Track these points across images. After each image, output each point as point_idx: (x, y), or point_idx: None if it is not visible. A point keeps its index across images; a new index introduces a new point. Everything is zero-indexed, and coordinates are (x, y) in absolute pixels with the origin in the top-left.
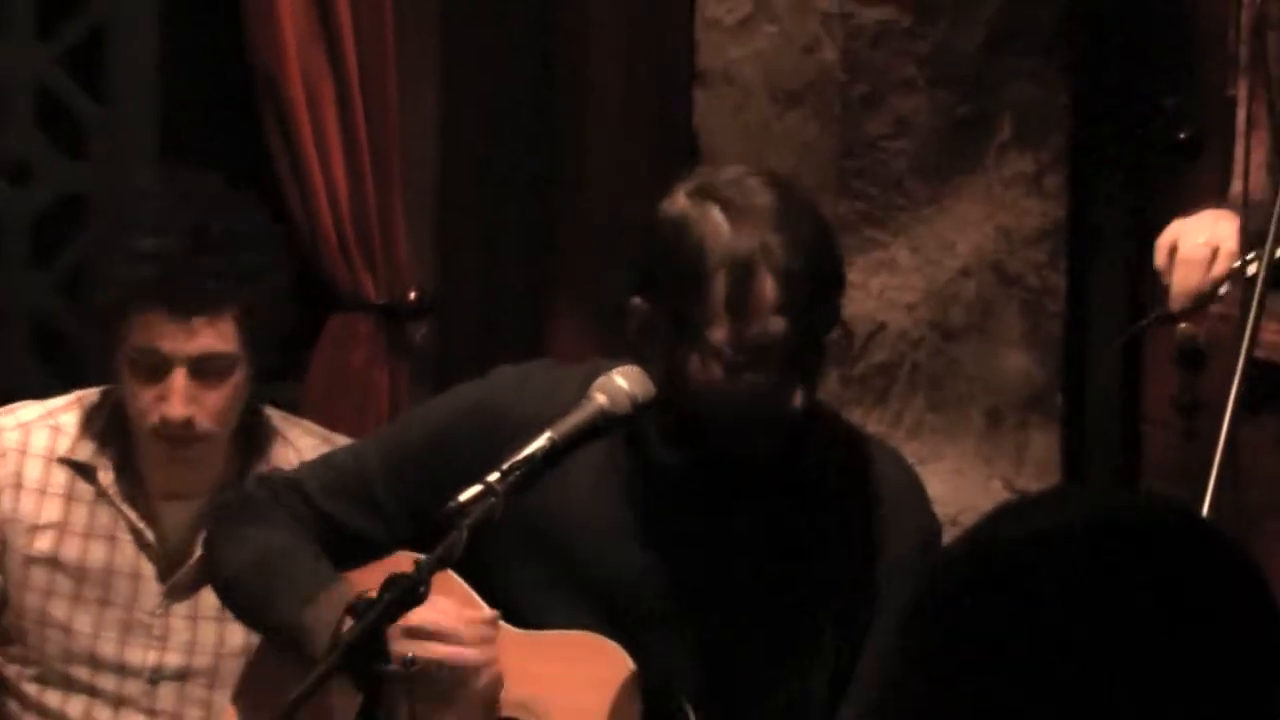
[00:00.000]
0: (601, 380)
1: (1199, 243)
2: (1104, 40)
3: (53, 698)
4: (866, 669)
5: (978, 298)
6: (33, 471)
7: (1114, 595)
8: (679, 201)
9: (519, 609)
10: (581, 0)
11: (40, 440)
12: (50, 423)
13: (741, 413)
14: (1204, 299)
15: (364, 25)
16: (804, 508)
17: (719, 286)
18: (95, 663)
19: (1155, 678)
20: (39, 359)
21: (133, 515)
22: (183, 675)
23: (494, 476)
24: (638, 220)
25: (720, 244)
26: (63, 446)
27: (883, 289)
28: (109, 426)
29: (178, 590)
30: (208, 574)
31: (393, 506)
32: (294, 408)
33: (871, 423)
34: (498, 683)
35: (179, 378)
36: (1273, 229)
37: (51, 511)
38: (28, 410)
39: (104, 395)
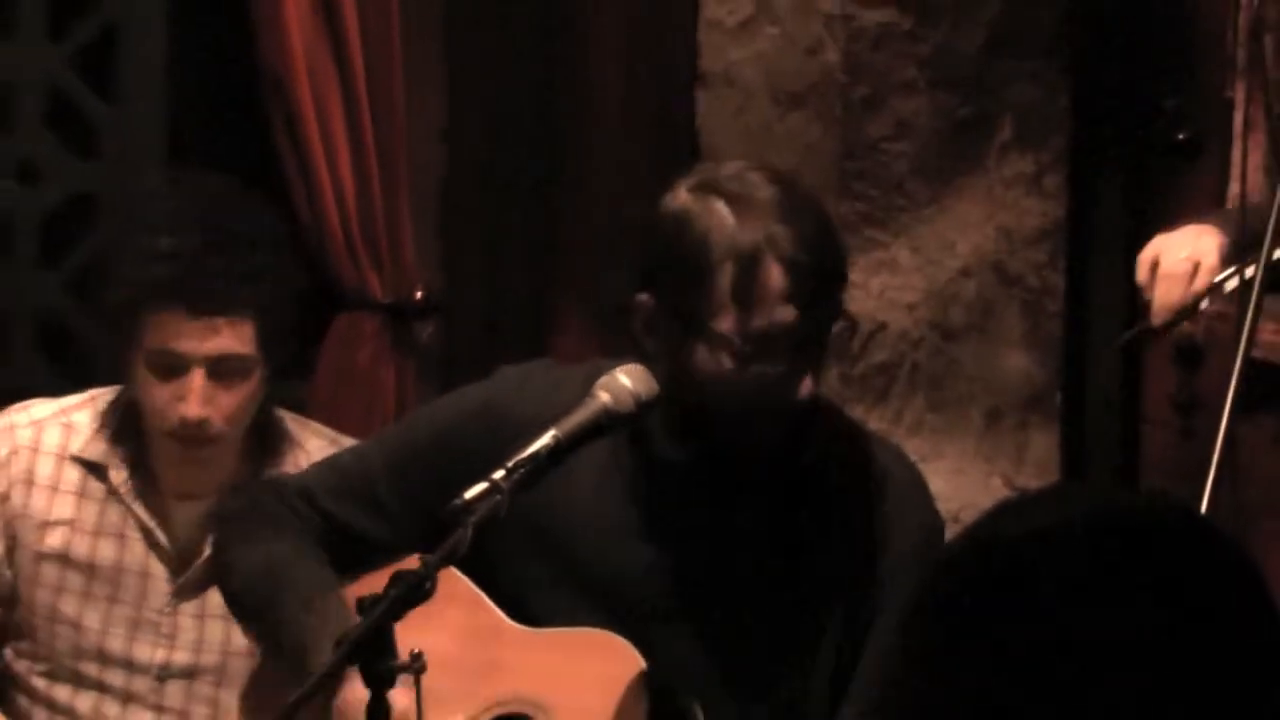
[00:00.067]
0: (605, 379)
1: (1180, 258)
2: (1104, 42)
3: (62, 693)
4: (868, 667)
5: (978, 298)
6: (44, 468)
7: (1113, 593)
8: (681, 196)
9: (525, 606)
10: (584, 4)
11: (53, 438)
12: (63, 420)
13: (749, 403)
14: (1185, 313)
15: (370, 29)
16: (807, 504)
17: (725, 277)
18: (104, 659)
19: (1154, 675)
20: (48, 358)
21: (143, 514)
22: (190, 673)
23: (499, 474)
24: (639, 221)
25: (725, 236)
26: (75, 444)
27: (883, 289)
28: (122, 425)
29: (186, 589)
30: (217, 580)
31: (397, 506)
32: (301, 406)
33: (872, 421)
34: None
35: (197, 378)
36: (1270, 230)
37: (63, 508)
38: (41, 408)
39: (117, 394)
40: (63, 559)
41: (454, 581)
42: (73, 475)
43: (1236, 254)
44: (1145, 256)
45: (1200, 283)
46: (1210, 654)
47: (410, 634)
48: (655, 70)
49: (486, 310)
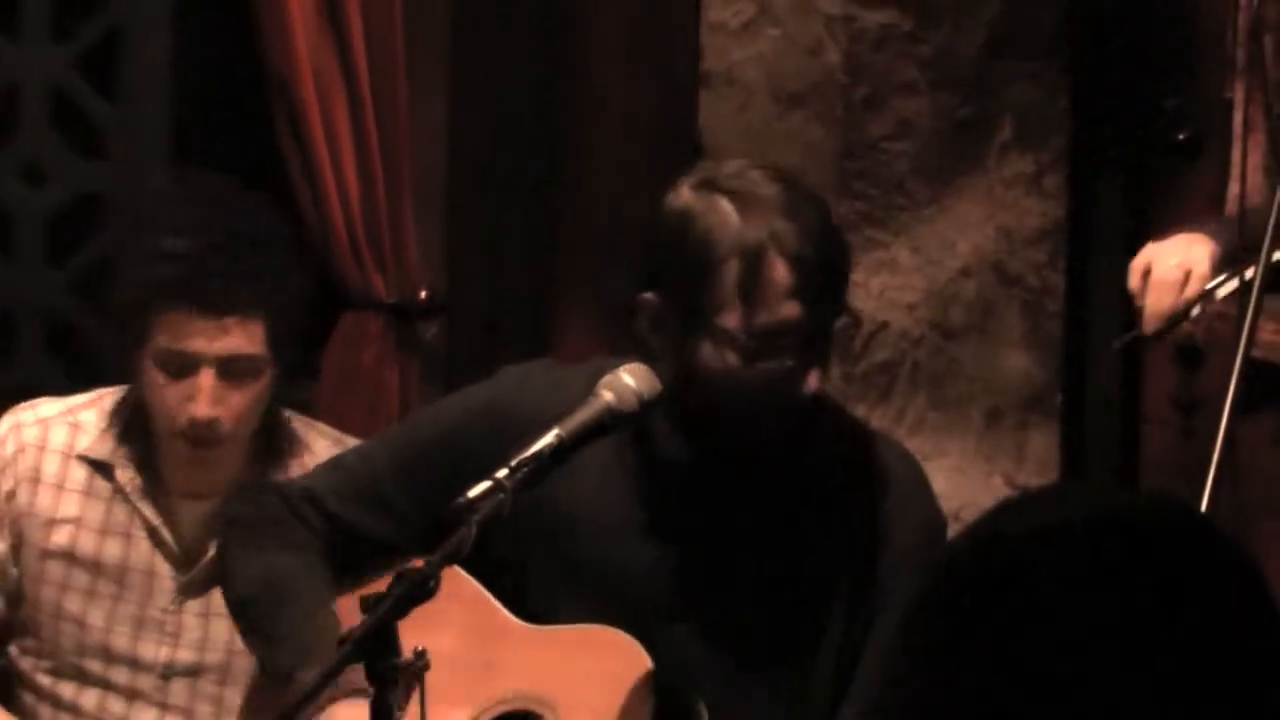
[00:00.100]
0: (608, 378)
1: (1172, 265)
2: (1104, 42)
3: (67, 690)
4: (869, 666)
5: (978, 297)
6: (50, 467)
7: (1113, 591)
8: (684, 195)
9: (529, 605)
10: (586, 5)
11: (59, 436)
12: (70, 420)
13: (755, 399)
14: (1177, 320)
15: (374, 32)
16: (810, 501)
17: (731, 274)
18: (108, 656)
19: (1154, 674)
20: (52, 358)
21: (149, 513)
22: (195, 671)
23: (502, 473)
24: (641, 221)
25: (730, 232)
26: (81, 443)
27: (884, 289)
28: (129, 425)
29: (191, 588)
30: (221, 584)
31: (402, 505)
32: (305, 406)
33: (873, 420)
34: None
35: (207, 378)
36: (1270, 230)
37: (69, 507)
38: (47, 406)
39: (124, 394)
40: (68, 557)
41: (458, 580)
42: (79, 474)
43: (1228, 262)
44: (1137, 265)
45: (1191, 290)
46: (1210, 652)
47: (414, 633)
48: (657, 71)
49: (488, 310)
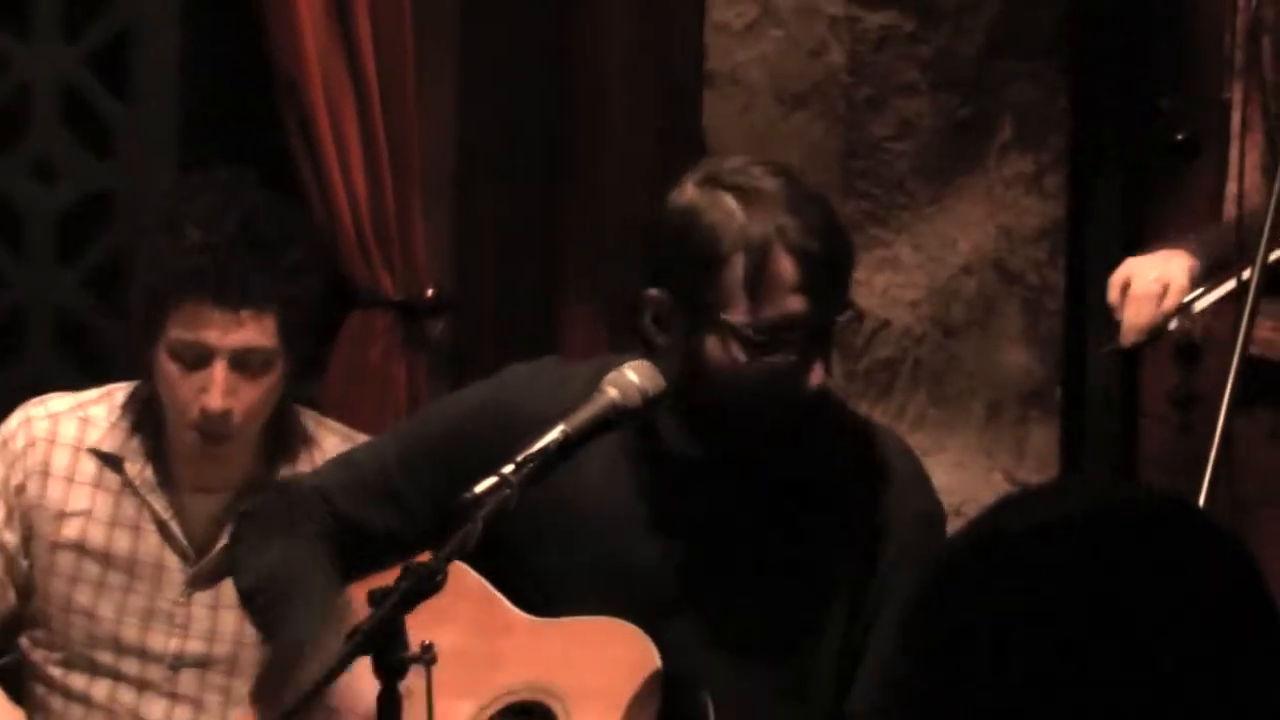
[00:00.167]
0: (613, 374)
1: (1150, 279)
2: (1103, 43)
3: (78, 681)
4: (870, 663)
5: (979, 295)
6: (61, 460)
7: (1112, 586)
8: (688, 192)
9: (534, 599)
10: (593, 6)
11: (69, 430)
12: (80, 414)
13: (760, 394)
14: (1155, 333)
15: (383, 31)
16: (812, 495)
17: (736, 269)
18: (119, 647)
19: (1153, 670)
20: (63, 356)
21: (158, 506)
22: (203, 662)
23: (508, 469)
24: (647, 219)
25: (735, 228)
26: (92, 437)
27: (886, 286)
28: (139, 420)
29: (200, 580)
30: (233, 575)
31: (410, 499)
32: (313, 403)
33: (876, 416)
34: None
35: (220, 369)
36: (1267, 229)
37: (79, 499)
38: (58, 401)
39: (134, 389)
40: (78, 549)
41: (464, 576)
42: (89, 467)
43: (1207, 276)
44: (1116, 279)
45: (1169, 304)
46: (1208, 648)
47: (420, 627)
48: (662, 71)
49: (496, 307)
